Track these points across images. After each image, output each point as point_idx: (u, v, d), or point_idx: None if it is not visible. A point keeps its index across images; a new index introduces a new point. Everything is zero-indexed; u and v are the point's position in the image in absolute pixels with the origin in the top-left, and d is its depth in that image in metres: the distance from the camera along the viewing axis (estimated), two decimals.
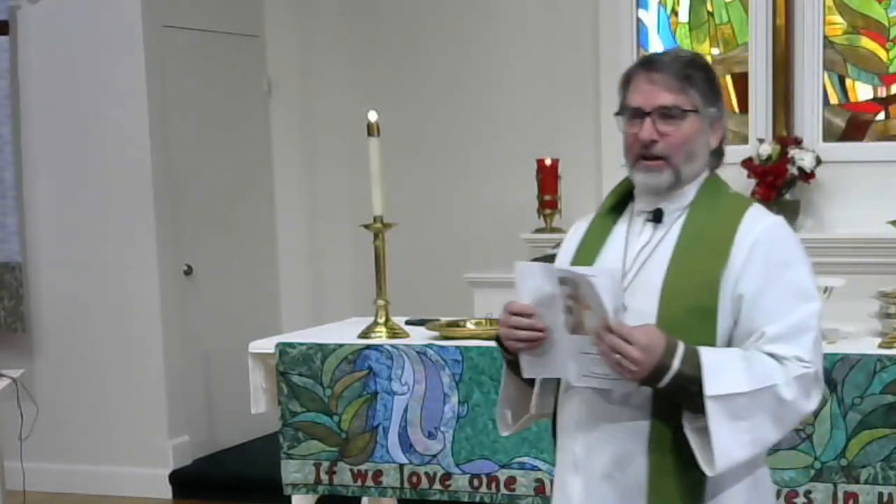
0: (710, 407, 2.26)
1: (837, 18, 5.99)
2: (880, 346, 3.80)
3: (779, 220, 2.45)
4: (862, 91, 6.04)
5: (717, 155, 2.51)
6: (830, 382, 3.74)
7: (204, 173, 6.38)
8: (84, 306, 6.17)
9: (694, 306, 2.32)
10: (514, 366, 2.46)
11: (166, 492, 6.11)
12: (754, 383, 2.28)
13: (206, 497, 5.98)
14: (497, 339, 2.46)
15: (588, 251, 2.51)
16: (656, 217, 2.46)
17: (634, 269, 2.43)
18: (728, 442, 2.27)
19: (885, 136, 6.02)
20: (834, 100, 6.04)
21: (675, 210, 2.46)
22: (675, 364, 2.27)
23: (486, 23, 6.36)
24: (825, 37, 5.98)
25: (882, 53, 5.97)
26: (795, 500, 3.80)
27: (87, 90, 6.07)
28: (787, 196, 5.87)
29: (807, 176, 5.82)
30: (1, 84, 6.11)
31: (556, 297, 2.30)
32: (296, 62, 6.84)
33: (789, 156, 5.82)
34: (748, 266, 2.35)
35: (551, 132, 6.12)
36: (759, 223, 2.41)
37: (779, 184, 5.82)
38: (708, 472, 2.30)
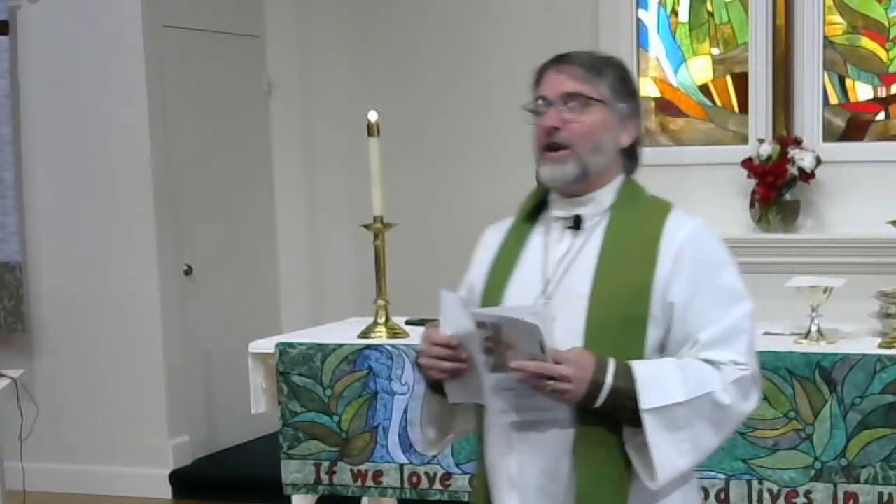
0: (647, 420, 2.23)
1: (837, 18, 5.99)
2: (880, 346, 3.80)
3: (702, 223, 2.41)
4: (862, 91, 6.04)
5: (632, 157, 2.48)
6: (830, 382, 3.75)
7: (204, 173, 6.38)
8: (84, 306, 6.17)
9: (624, 314, 2.29)
10: (436, 386, 2.42)
11: (166, 492, 6.11)
12: (690, 392, 2.25)
13: (206, 497, 5.98)
14: (417, 363, 2.41)
15: (505, 262, 2.46)
16: (576, 223, 2.42)
17: (556, 278, 2.38)
18: (668, 453, 2.25)
19: (885, 136, 6.02)
20: (834, 100, 6.04)
21: (594, 216, 2.42)
22: (609, 380, 2.23)
23: (486, 23, 6.36)
24: (825, 37, 5.97)
25: (882, 53, 5.97)
26: (795, 500, 3.80)
27: (87, 90, 6.07)
28: (787, 196, 5.87)
29: (807, 176, 5.82)
30: (1, 84, 6.11)
31: (472, 334, 2.26)
32: (296, 62, 6.84)
33: (789, 156, 5.82)
34: (676, 271, 2.32)
35: None
36: (683, 226, 2.38)
37: (779, 184, 5.82)
38: (651, 486, 2.27)
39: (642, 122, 2.49)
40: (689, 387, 2.26)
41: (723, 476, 3.88)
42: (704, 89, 6.24)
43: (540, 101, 2.41)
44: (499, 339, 2.23)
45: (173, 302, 6.16)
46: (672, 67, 6.26)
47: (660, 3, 6.24)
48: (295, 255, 6.89)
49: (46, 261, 6.24)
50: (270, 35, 6.81)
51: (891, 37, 5.95)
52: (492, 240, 2.55)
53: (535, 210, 2.51)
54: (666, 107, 6.29)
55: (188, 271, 6.28)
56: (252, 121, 6.76)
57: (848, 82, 6.04)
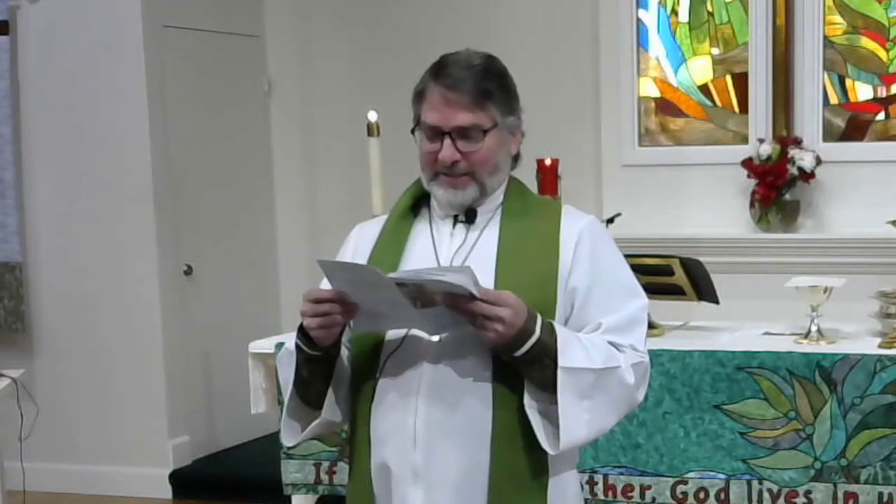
0: (562, 379, 2.24)
1: (837, 18, 5.99)
2: (880, 346, 3.81)
3: (595, 218, 2.46)
4: (862, 91, 6.04)
5: (515, 159, 2.49)
6: (830, 382, 3.75)
7: (204, 173, 6.38)
8: (84, 306, 6.17)
9: (532, 305, 2.29)
10: (309, 367, 2.36)
11: (166, 492, 6.11)
12: (602, 362, 2.29)
13: (206, 497, 5.98)
14: (299, 339, 2.35)
15: (387, 256, 2.43)
16: (469, 218, 2.42)
17: None
18: (573, 418, 2.26)
19: (885, 136, 6.02)
20: (834, 100, 6.04)
21: (486, 211, 2.43)
22: (538, 330, 2.25)
23: (486, 23, 6.36)
24: (825, 37, 5.97)
25: (882, 53, 5.97)
26: (795, 500, 3.80)
27: (87, 90, 6.07)
28: (787, 196, 5.87)
29: (807, 176, 5.82)
30: (1, 84, 6.11)
31: (389, 287, 2.20)
32: (296, 62, 6.84)
33: (789, 156, 5.82)
34: (577, 261, 2.36)
35: (551, 132, 6.11)
36: (578, 220, 2.42)
37: (779, 184, 5.82)
38: (550, 450, 2.28)
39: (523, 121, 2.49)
40: (601, 358, 2.29)
41: (723, 476, 3.88)
42: (704, 89, 6.24)
43: (431, 130, 2.37)
44: (422, 294, 2.21)
45: (173, 302, 6.16)
46: (672, 67, 6.26)
47: (660, 3, 6.24)
48: (295, 254, 6.89)
49: (46, 261, 6.24)
50: (270, 35, 6.81)
51: (891, 37, 5.95)
52: (366, 236, 2.53)
53: (412, 206, 2.50)
54: (666, 107, 6.29)
55: (188, 271, 6.28)
56: (252, 121, 6.76)
57: (848, 82, 6.03)
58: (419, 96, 2.42)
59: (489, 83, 2.38)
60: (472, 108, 2.36)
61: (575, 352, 2.27)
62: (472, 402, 2.29)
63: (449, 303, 2.20)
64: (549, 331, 2.26)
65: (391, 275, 2.23)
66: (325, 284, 2.38)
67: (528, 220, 2.41)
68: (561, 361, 2.24)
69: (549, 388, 2.26)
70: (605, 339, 2.33)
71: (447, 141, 2.35)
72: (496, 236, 2.40)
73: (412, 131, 2.43)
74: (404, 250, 2.43)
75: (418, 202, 2.50)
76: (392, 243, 2.45)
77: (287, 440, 2.51)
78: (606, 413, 2.32)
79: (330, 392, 2.40)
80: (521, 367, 2.27)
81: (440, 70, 2.41)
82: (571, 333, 2.31)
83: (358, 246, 2.54)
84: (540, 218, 2.42)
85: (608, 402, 2.31)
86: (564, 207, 2.47)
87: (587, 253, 2.37)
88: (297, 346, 2.37)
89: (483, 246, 2.39)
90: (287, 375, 2.44)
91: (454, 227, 2.43)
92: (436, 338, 2.31)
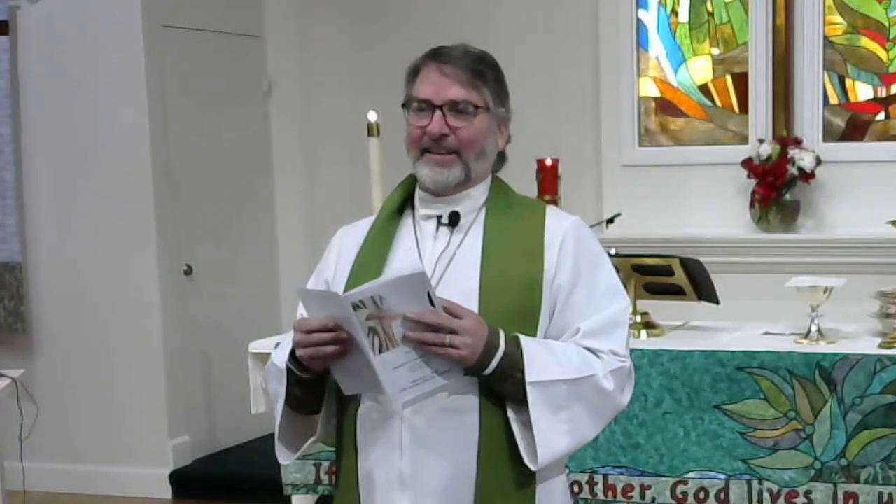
0: (532, 394, 2.21)
1: (837, 18, 5.99)
2: (880, 346, 3.81)
3: (579, 220, 2.44)
4: (862, 91, 6.04)
5: (501, 158, 2.48)
6: (830, 382, 3.75)
7: (204, 173, 6.38)
8: (84, 306, 6.17)
9: (517, 307, 2.28)
10: (302, 387, 2.34)
11: (166, 492, 6.11)
12: (575, 372, 2.25)
13: (206, 497, 5.98)
14: (291, 365, 2.32)
15: (373, 260, 2.40)
16: (452, 220, 2.40)
17: (438, 274, 2.34)
18: (549, 432, 2.23)
19: (885, 136, 6.02)
20: (834, 100, 6.04)
21: (469, 213, 2.41)
22: (502, 344, 2.22)
23: (486, 21, 6.36)
24: (825, 37, 5.97)
25: (882, 53, 5.97)
26: (795, 500, 3.80)
27: (86, 90, 6.07)
28: (787, 196, 5.87)
29: (807, 176, 5.82)
30: (1, 84, 6.11)
31: (351, 321, 2.15)
32: (296, 62, 6.84)
33: (789, 156, 5.83)
34: (560, 263, 2.34)
35: (551, 132, 6.12)
36: (563, 222, 2.40)
37: (779, 184, 5.83)
38: (531, 465, 2.25)
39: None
40: (574, 367, 2.26)
41: (723, 476, 3.88)
42: (704, 89, 6.24)
43: (422, 104, 2.36)
44: (382, 315, 2.16)
45: (173, 302, 6.16)
46: (672, 67, 6.26)
47: (660, 3, 6.24)
48: (295, 254, 6.89)
49: (46, 261, 6.24)
50: (270, 35, 6.81)
51: (891, 37, 5.95)
52: (350, 239, 2.50)
53: (398, 209, 2.48)
54: (666, 107, 6.29)
55: (188, 271, 6.28)
56: (252, 121, 6.76)
57: (848, 82, 6.03)
58: (414, 73, 2.41)
59: (484, 67, 2.39)
60: (467, 84, 2.36)
61: (543, 364, 2.23)
62: (459, 410, 2.28)
63: (408, 321, 2.15)
64: (515, 343, 2.24)
65: (348, 293, 2.18)
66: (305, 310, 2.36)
67: (512, 221, 2.39)
68: (528, 376, 2.22)
69: (525, 402, 2.24)
70: (582, 346, 2.30)
71: (437, 113, 2.35)
72: (480, 238, 2.37)
73: (403, 105, 2.41)
74: (389, 255, 2.41)
75: (404, 202, 2.48)
76: (377, 247, 2.43)
77: (282, 458, 2.49)
78: (587, 422, 2.29)
79: (324, 410, 2.39)
80: (494, 384, 2.25)
81: (437, 51, 2.41)
82: (540, 343, 2.28)
83: (342, 251, 2.50)
84: (524, 219, 2.40)
85: (587, 412, 2.28)
86: (549, 208, 2.45)
87: (570, 256, 2.35)
88: (289, 369, 2.35)
89: (467, 248, 2.37)
90: (276, 389, 2.42)
91: (438, 229, 2.41)
92: (399, 406, 2.26)
